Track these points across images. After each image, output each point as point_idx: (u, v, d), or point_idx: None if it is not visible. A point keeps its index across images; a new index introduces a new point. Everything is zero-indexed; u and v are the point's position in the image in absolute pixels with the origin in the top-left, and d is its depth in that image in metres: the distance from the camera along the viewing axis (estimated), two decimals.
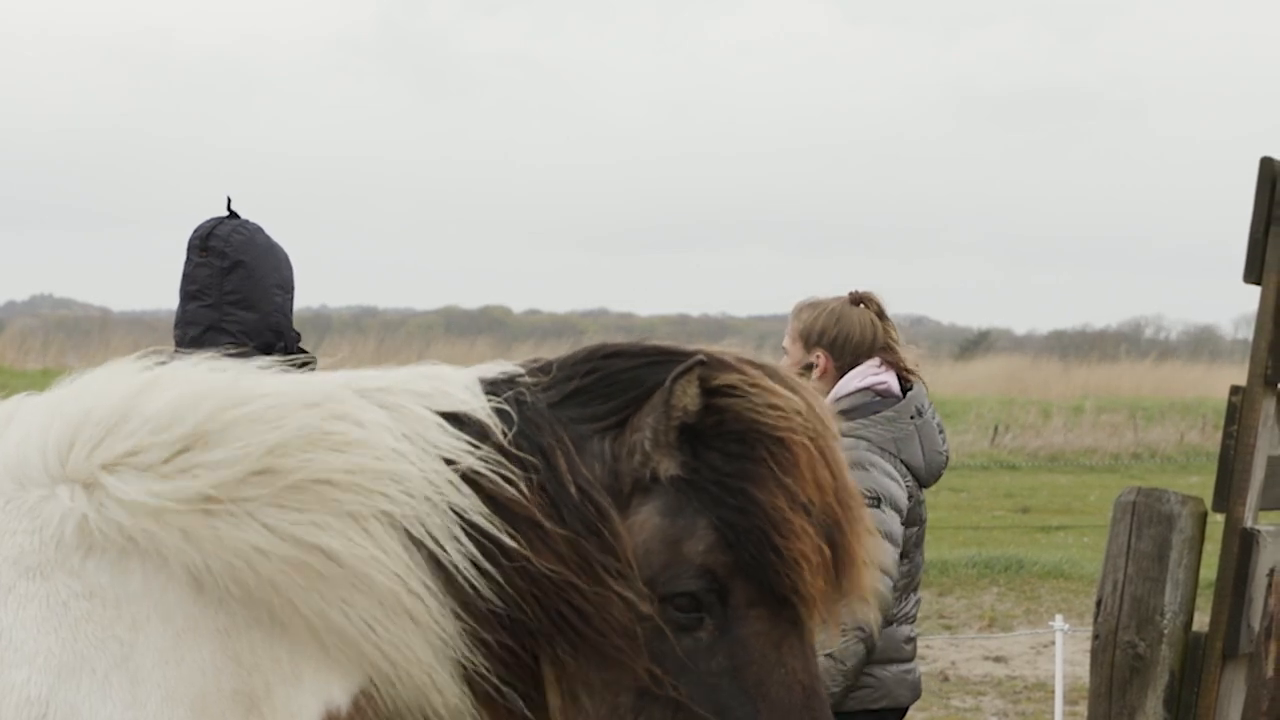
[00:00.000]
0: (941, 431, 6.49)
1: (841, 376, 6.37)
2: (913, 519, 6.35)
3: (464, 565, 3.10)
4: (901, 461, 6.31)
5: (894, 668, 6.34)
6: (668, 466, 3.16)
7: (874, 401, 6.33)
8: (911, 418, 6.37)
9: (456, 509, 3.11)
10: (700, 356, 3.20)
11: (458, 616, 3.10)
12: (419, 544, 3.11)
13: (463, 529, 3.11)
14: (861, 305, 6.45)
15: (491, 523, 3.11)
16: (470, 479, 3.13)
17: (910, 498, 6.31)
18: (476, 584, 3.10)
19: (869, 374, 6.39)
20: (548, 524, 3.11)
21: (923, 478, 6.41)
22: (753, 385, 3.20)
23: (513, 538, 3.10)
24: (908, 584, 6.40)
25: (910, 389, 6.44)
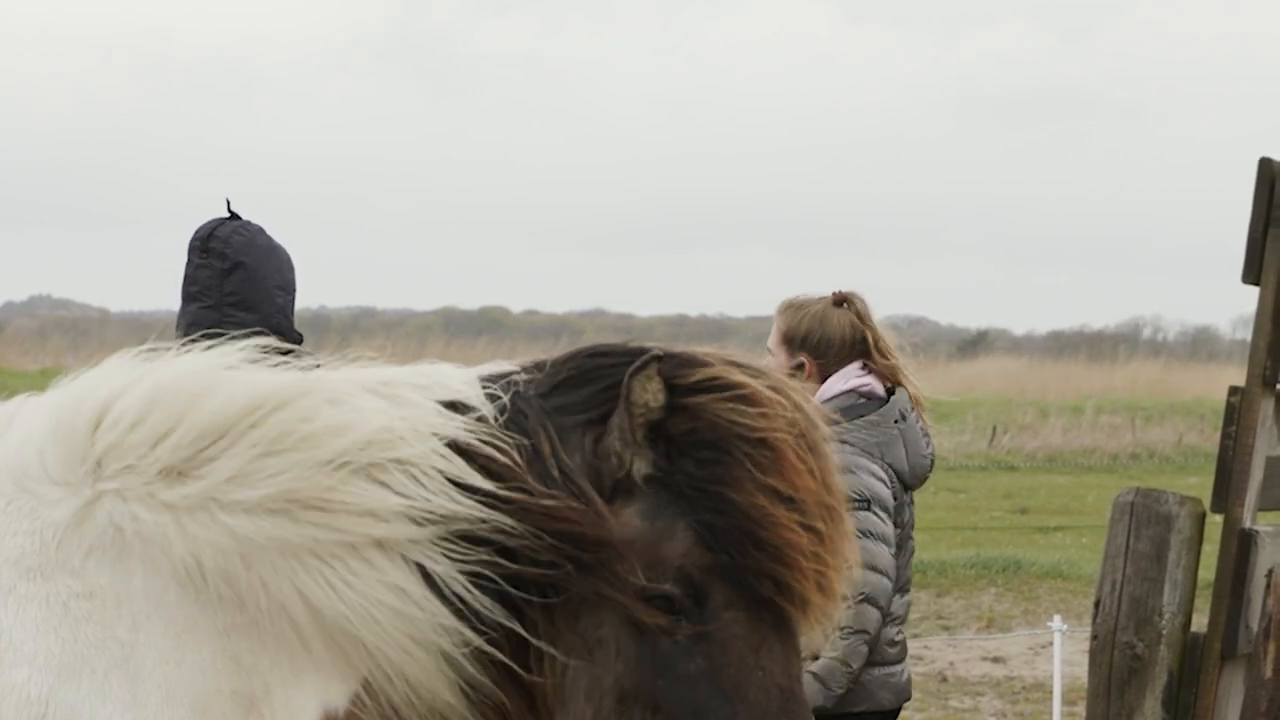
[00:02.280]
0: (926, 435, 6.48)
1: (825, 379, 6.38)
2: (896, 522, 6.34)
3: (466, 524, 3.10)
4: (887, 465, 6.31)
5: (876, 670, 6.32)
6: (640, 466, 3.17)
7: (859, 404, 6.34)
8: (895, 422, 6.37)
9: (450, 477, 3.13)
10: (657, 350, 3.20)
11: (463, 576, 3.10)
12: (413, 518, 3.12)
13: (459, 493, 3.12)
14: (844, 306, 6.44)
15: (483, 488, 3.12)
16: (462, 451, 3.15)
17: (895, 498, 6.31)
18: (476, 548, 3.10)
19: (853, 377, 6.39)
20: (536, 485, 3.12)
21: (907, 481, 6.41)
22: (730, 385, 3.20)
23: (507, 489, 3.11)
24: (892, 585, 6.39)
25: (894, 392, 6.44)
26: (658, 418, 3.17)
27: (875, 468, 6.23)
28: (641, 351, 3.24)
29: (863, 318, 6.44)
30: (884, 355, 6.43)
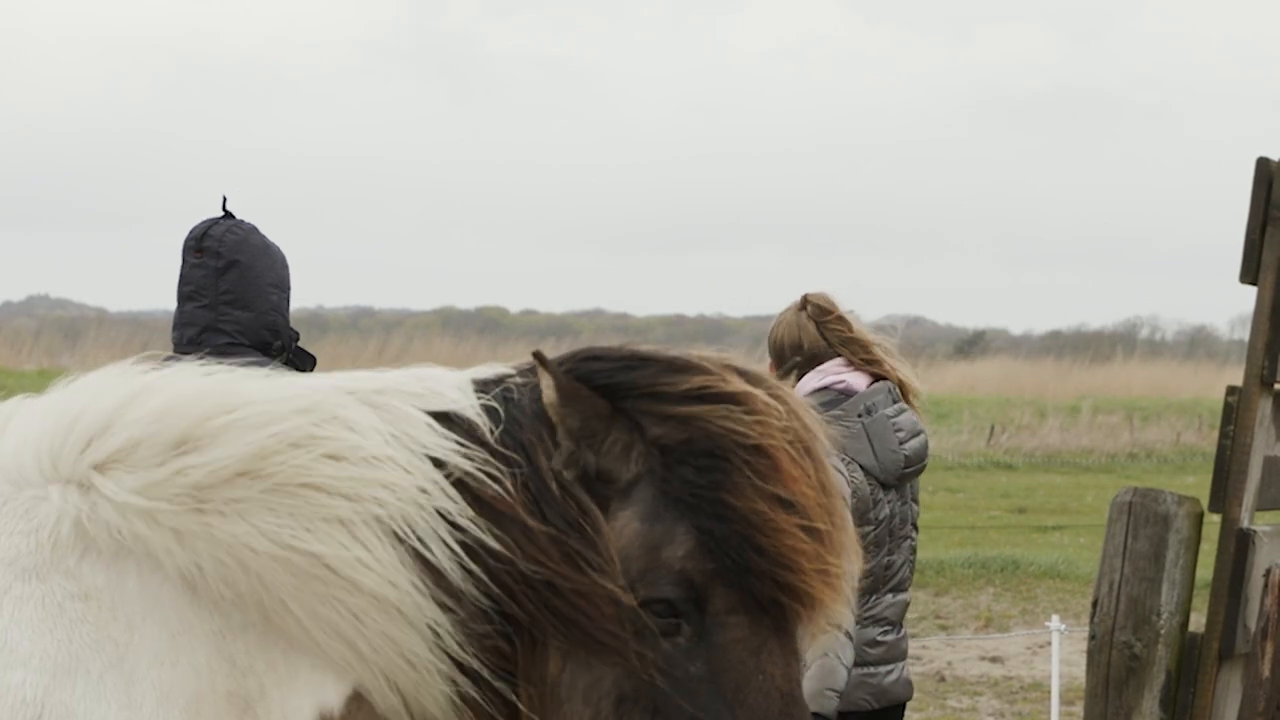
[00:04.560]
0: (900, 430, 6.45)
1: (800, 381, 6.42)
2: (865, 519, 6.31)
3: (451, 566, 3.10)
4: (850, 459, 6.29)
5: (854, 670, 6.29)
6: (589, 459, 3.16)
7: (835, 399, 6.36)
8: (859, 416, 6.36)
9: (443, 511, 3.12)
10: (534, 350, 3.20)
11: (447, 614, 3.10)
12: (408, 546, 3.12)
13: (449, 531, 3.12)
14: (804, 309, 6.52)
15: (477, 524, 3.11)
16: (456, 479, 3.14)
17: (855, 494, 6.27)
18: (464, 584, 3.10)
19: (830, 374, 6.42)
20: (531, 522, 3.11)
21: (878, 476, 6.38)
22: (723, 392, 3.19)
23: (498, 538, 3.10)
24: (871, 584, 6.37)
25: (867, 389, 6.45)
26: (562, 414, 3.16)
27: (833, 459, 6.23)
28: (640, 356, 3.24)
29: (817, 317, 6.47)
30: (860, 351, 6.45)
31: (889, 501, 6.43)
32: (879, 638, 6.44)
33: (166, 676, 3.08)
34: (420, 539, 3.11)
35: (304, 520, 3.12)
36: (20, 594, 3.11)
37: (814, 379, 6.41)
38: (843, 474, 6.17)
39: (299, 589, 3.10)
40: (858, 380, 6.43)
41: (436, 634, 3.10)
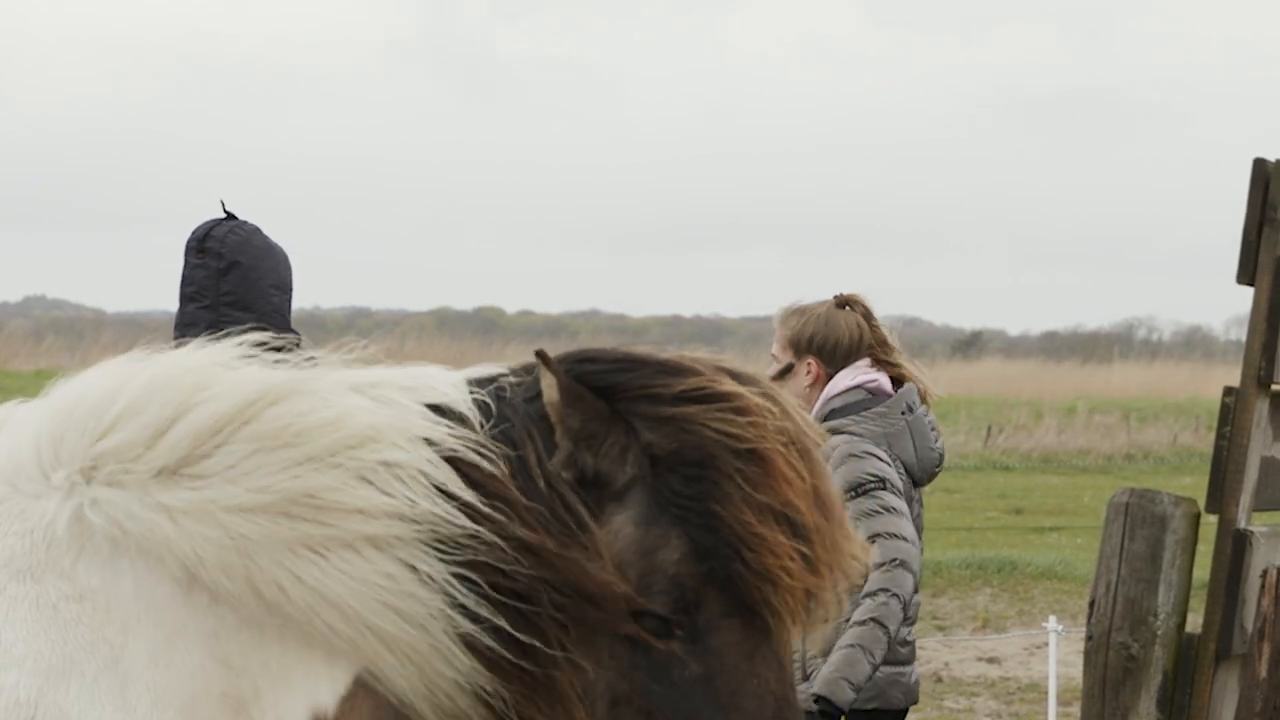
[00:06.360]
0: (934, 429, 6.51)
1: (831, 380, 6.44)
2: None
3: (450, 530, 3.09)
4: (895, 456, 6.34)
5: (887, 669, 6.33)
6: (607, 468, 3.14)
7: (866, 399, 6.39)
8: (902, 413, 6.41)
9: (435, 483, 3.12)
10: (537, 349, 3.19)
11: (452, 577, 3.09)
12: (403, 499, 3.11)
13: (444, 499, 3.10)
14: (848, 308, 6.52)
15: (468, 496, 3.10)
16: (448, 458, 3.14)
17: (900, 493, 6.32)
18: (461, 552, 3.09)
19: (860, 373, 6.44)
20: (522, 500, 3.10)
21: (915, 474, 6.43)
22: (716, 394, 3.17)
23: (490, 506, 3.09)
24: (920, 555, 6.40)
25: (903, 388, 6.48)
26: (563, 414, 3.14)
27: (882, 453, 6.26)
28: (634, 358, 3.23)
29: (868, 318, 6.52)
30: (890, 353, 6.50)
31: (915, 501, 6.48)
32: (907, 636, 6.50)
33: (161, 678, 3.08)
34: (413, 497, 3.10)
35: (296, 472, 3.11)
36: (15, 595, 3.11)
37: (846, 378, 6.43)
38: (886, 464, 6.22)
39: (295, 565, 3.08)
40: (886, 381, 6.48)
41: (445, 604, 3.07)
